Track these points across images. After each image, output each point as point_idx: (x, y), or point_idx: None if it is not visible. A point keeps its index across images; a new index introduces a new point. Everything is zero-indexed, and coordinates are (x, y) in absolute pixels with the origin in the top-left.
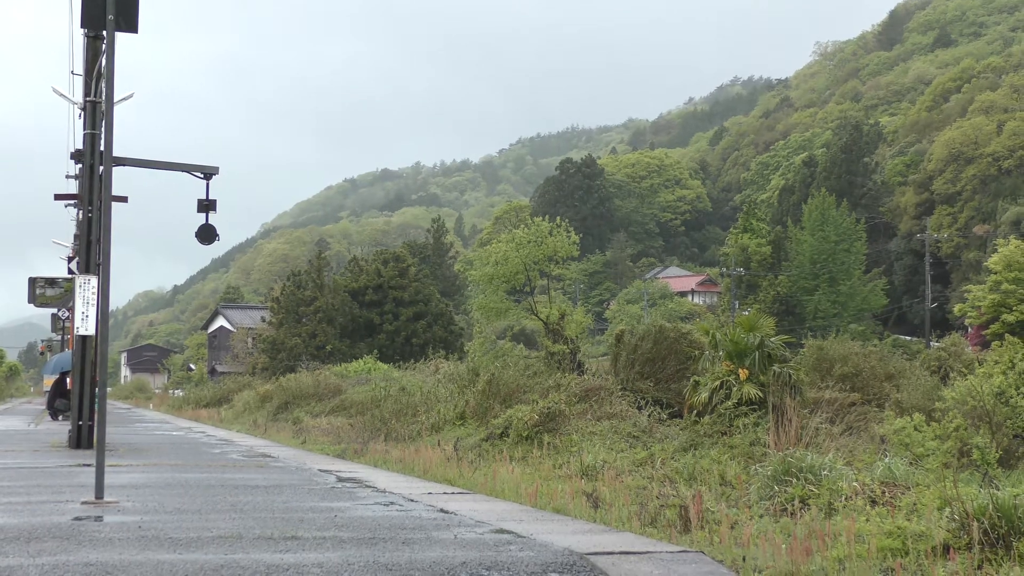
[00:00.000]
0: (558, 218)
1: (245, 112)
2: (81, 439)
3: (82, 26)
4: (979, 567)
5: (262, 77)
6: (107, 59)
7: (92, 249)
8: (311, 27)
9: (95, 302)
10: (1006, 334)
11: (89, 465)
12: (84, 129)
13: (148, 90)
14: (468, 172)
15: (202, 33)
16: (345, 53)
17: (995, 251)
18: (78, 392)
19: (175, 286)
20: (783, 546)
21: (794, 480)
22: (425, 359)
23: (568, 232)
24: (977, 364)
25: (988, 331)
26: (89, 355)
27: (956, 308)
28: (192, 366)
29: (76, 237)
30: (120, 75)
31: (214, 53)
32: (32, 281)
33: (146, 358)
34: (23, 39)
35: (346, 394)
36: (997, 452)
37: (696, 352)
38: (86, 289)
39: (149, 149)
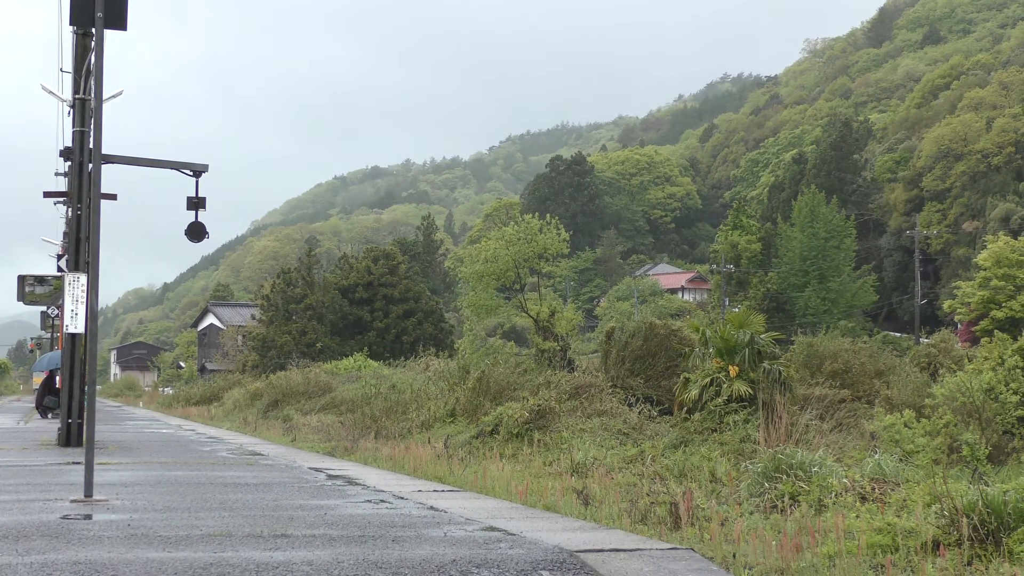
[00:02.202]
0: (548, 215)
1: (231, 110)
2: (70, 437)
3: (71, 23)
4: (969, 563)
5: (245, 75)
6: (96, 56)
7: (81, 246)
8: (297, 23)
9: (84, 300)
10: (995, 330)
11: (78, 463)
12: (73, 127)
13: (131, 87)
14: (458, 169)
15: (181, 29)
16: (331, 50)
17: (984, 247)
18: (67, 390)
19: (165, 284)
20: (773, 543)
21: (784, 477)
22: (415, 356)
23: (558, 229)
24: (966, 360)
25: (977, 327)
26: (78, 353)
27: (946, 304)
28: (182, 364)
29: (65, 235)
30: (108, 72)
31: (196, 50)
32: (21, 279)
33: (136, 356)
34: (12, 35)
35: (336, 392)
36: (986, 448)
37: (686, 349)
38: (75, 287)
39: (133, 146)
